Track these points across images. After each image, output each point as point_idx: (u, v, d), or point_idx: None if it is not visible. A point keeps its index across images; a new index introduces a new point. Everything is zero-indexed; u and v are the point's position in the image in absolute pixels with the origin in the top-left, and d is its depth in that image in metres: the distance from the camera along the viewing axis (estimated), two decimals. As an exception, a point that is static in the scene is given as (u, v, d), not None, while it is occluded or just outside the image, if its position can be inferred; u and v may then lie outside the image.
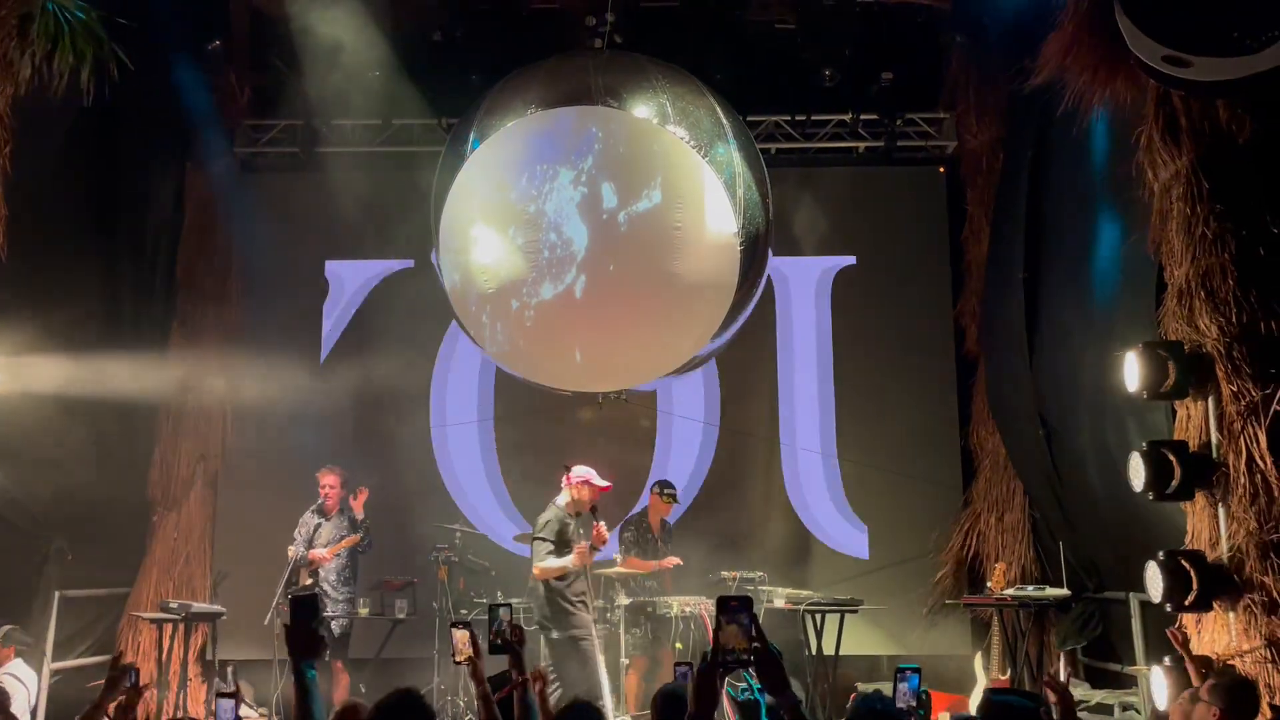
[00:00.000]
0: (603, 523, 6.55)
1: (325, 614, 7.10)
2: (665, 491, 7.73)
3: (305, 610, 2.77)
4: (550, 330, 6.78)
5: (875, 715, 2.95)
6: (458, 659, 3.63)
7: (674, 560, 7.49)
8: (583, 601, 6.48)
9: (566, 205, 6.57)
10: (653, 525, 7.71)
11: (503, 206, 6.72)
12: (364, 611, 7.49)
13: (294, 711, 2.77)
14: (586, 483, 6.60)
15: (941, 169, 9.16)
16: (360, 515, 7.43)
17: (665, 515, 7.79)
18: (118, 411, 7.79)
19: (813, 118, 9.00)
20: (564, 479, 6.66)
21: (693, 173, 6.55)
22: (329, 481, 7.47)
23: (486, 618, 3.69)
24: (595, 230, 6.56)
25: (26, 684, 6.28)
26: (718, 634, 2.49)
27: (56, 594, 7.07)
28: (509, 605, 3.64)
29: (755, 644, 2.44)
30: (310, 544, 7.29)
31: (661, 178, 6.54)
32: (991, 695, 2.94)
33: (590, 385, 7.23)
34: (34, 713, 6.42)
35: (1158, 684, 4.96)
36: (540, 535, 6.49)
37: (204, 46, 8.53)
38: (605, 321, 6.72)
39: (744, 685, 5.81)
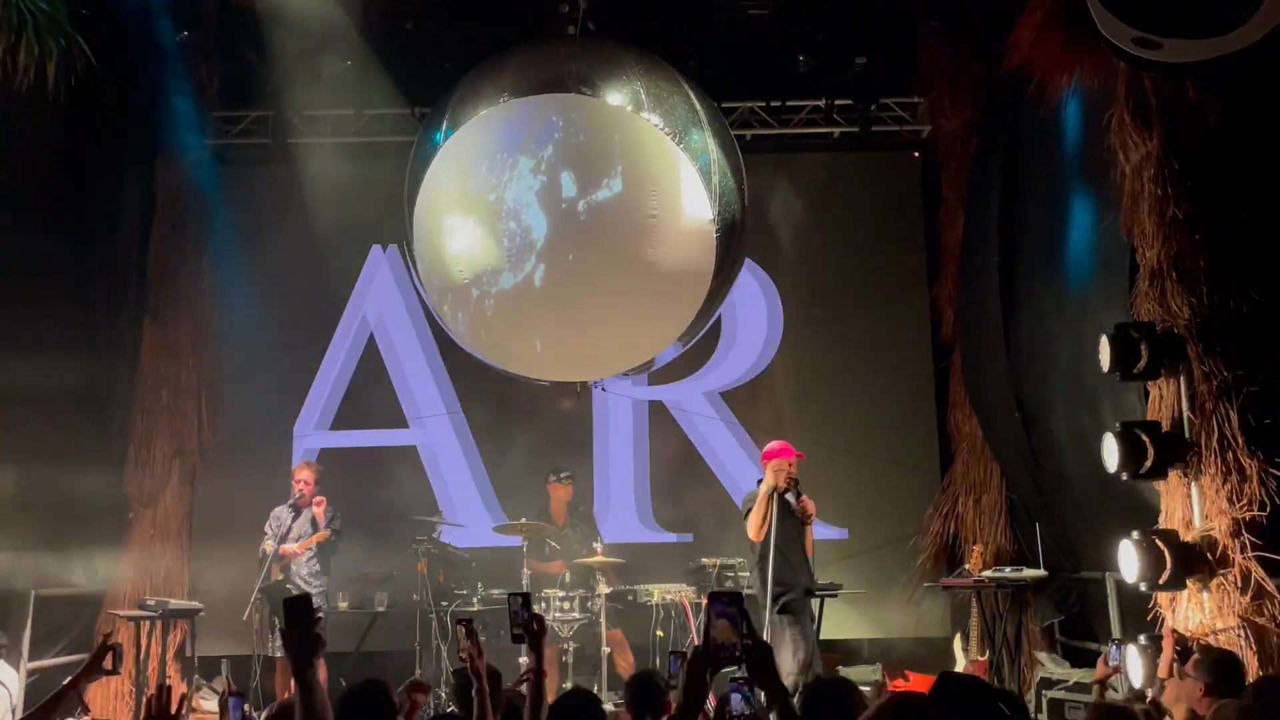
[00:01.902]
0: (804, 496, 6.31)
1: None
2: (561, 476, 7.76)
3: (301, 612, 2.77)
4: (510, 320, 6.77)
5: (826, 694, 3.00)
6: (461, 655, 3.63)
7: (559, 566, 7.43)
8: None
9: (526, 194, 6.57)
10: (554, 514, 7.73)
11: (473, 196, 6.70)
12: (344, 605, 7.47)
13: (300, 713, 2.75)
14: (774, 455, 6.36)
15: (916, 153, 9.17)
16: (323, 519, 7.36)
17: (567, 499, 7.79)
18: (91, 408, 7.73)
19: (787, 103, 8.99)
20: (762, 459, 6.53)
21: (667, 160, 6.54)
22: (304, 476, 7.44)
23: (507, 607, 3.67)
24: (554, 219, 6.55)
25: (8, 685, 6.23)
26: (708, 629, 2.49)
27: (32, 593, 6.99)
28: (526, 595, 3.64)
29: (746, 639, 2.44)
30: (283, 539, 7.25)
31: (622, 166, 6.54)
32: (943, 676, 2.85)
33: (558, 375, 7.22)
34: (14, 712, 6.37)
35: (1134, 662, 5.00)
36: (745, 509, 6.41)
37: (173, 38, 8.41)
38: (567, 311, 6.70)
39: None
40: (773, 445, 6.50)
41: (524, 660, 6.45)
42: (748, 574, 6.96)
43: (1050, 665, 6.96)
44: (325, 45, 8.00)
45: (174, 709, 2.92)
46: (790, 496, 6.27)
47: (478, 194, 6.66)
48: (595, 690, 7.00)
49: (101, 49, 6.52)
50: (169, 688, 3.03)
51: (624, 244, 6.61)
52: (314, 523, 7.34)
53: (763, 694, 2.79)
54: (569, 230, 6.58)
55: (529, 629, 3.44)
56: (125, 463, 8.23)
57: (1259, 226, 4.90)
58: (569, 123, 6.65)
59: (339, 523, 7.45)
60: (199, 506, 8.47)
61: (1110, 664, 4.97)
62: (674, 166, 6.56)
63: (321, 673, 7.12)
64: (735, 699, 3.78)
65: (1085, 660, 7.12)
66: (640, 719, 3.75)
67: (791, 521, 6.29)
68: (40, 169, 7.30)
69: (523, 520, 7.33)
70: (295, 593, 7.08)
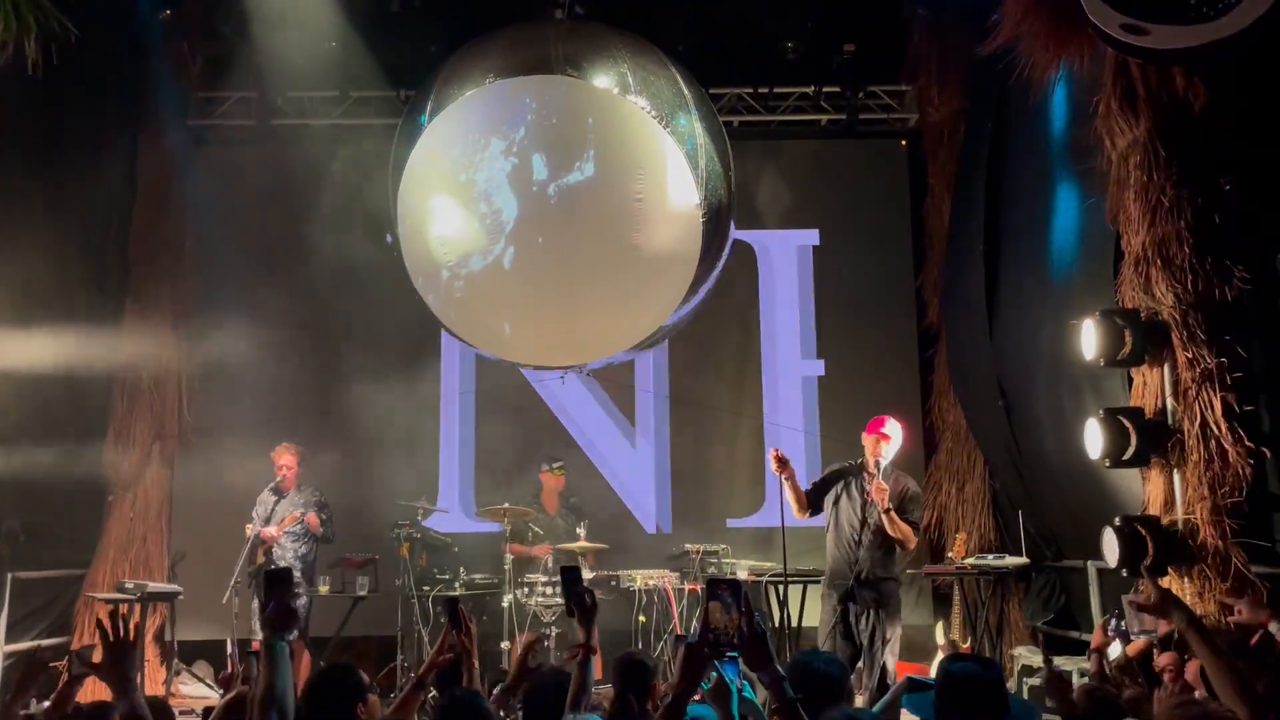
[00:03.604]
0: (877, 479, 5.78)
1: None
2: (555, 466, 7.72)
3: (280, 584, 2.77)
4: (479, 302, 6.75)
5: (809, 671, 2.99)
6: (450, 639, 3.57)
7: (544, 549, 7.43)
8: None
9: (498, 175, 6.56)
10: (546, 504, 7.69)
11: (451, 178, 6.66)
12: (324, 589, 7.41)
13: (260, 683, 2.70)
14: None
15: (903, 142, 9.16)
16: (318, 520, 7.30)
17: (559, 489, 7.75)
18: (70, 390, 7.65)
19: (775, 90, 8.97)
20: None
21: (647, 143, 6.50)
22: (286, 461, 7.36)
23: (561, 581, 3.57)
24: (524, 201, 6.54)
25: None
26: (707, 615, 2.49)
27: (9, 575, 6.93)
28: (576, 569, 3.59)
29: (743, 627, 2.43)
30: (267, 522, 7.20)
31: (596, 150, 6.50)
32: (948, 665, 2.89)
33: (530, 359, 7.19)
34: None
35: (1114, 650, 5.01)
36: None
37: (156, 16, 8.33)
38: (537, 295, 6.66)
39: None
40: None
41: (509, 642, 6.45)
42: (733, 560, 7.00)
43: (1029, 655, 6.99)
44: (310, 26, 7.91)
45: (131, 636, 2.85)
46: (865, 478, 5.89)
47: (454, 176, 6.63)
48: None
49: (83, 27, 6.44)
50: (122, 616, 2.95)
51: (597, 227, 6.56)
52: (313, 503, 7.29)
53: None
54: (539, 213, 6.54)
55: (580, 603, 3.32)
56: (105, 445, 8.16)
57: (1244, 213, 4.91)
58: (542, 105, 6.60)
59: (329, 529, 7.39)
60: (179, 490, 8.41)
61: (1109, 633, 4.94)
62: (654, 150, 6.52)
63: (305, 658, 7.14)
64: (728, 674, 3.76)
65: (1066, 649, 7.14)
66: (625, 701, 3.73)
67: (854, 506, 5.92)
68: (19, 145, 7.21)
69: (505, 505, 7.30)
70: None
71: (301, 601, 7.06)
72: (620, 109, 6.54)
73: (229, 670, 3.87)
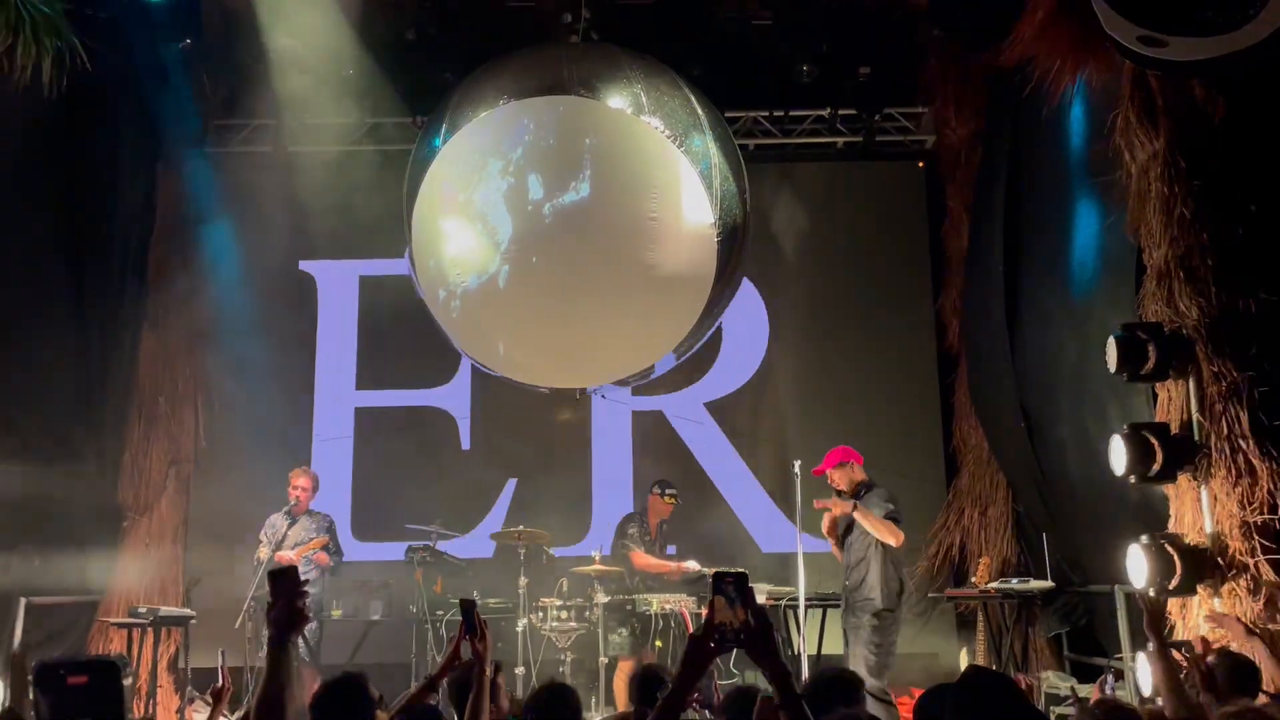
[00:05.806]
0: (834, 504, 6.27)
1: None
2: (666, 491, 7.47)
3: (285, 584, 2.67)
4: (473, 321, 6.77)
5: (830, 681, 2.94)
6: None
7: (691, 566, 7.31)
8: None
9: (496, 195, 6.60)
10: (650, 526, 7.50)
11: (455, 198, 6.68)
12: (337, 614, 7.35)
13: (260, 688, 2.60)
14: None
15: (920, 164, 9.11)
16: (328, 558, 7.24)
17: (665, 516, 7.52)
18: (87, 414, 7.66)
19: (791, 113, 8.95)
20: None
21: (664, 163, 6.49)
22: (302, 484, 7.32)
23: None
24: (520, 221, 6.57)
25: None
26: (712, 609, 2.43)
27: (22, 600, 6.90)
28: (471, 602, 3.48)
29: (749, 620, 2.37)
30: (279, 546, 7.13)
31: (593, 170, 6.52)
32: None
33: (528, 378, 7.16)
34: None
35: (1143, 671, 4.88)
36: None
37: (175, 45, 8.41)
38: (535, 315, 6.65)
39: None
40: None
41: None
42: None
43: (1057, 681, 6.84)
44: (327, 54, 7.98)
45: None
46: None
47: (453, 196, 6.68)
48: (594, 702, 6.89)
49: (102, 53, 6.50)
50: None
51: (600, 247, 6.55)
52: (324, 528, 7.24)
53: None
54: (535, 232, 6.55)
55: (472, 641, 3.21)
56: (121, 470, 8.16)
57: (1267, 224, 4.82)
58: (540, 125, 6.61)
59: (336, 560, 7.34)
60: (195, 514, 8.39)
61: (1106, 691, 4.86)
62: (665, 169, 6.50)
63: (314, 687, 7.05)
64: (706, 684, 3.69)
65: (1094, 675, 6.99)
66: (642, 714, 3.68)
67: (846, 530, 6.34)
68: (38, 169, 7.26)
69: (520, 528, 7.23)
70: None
71: (311, 626, 6.98)
72: (627, 129, 6.53)
73: (220, 684, 3.81)
